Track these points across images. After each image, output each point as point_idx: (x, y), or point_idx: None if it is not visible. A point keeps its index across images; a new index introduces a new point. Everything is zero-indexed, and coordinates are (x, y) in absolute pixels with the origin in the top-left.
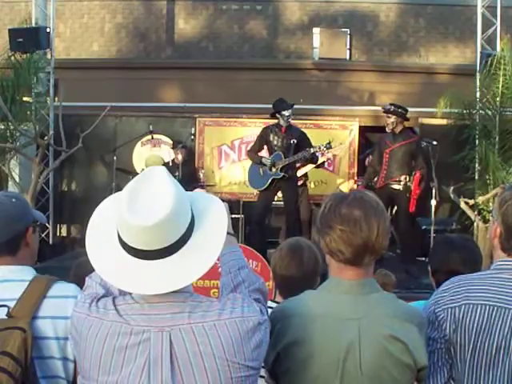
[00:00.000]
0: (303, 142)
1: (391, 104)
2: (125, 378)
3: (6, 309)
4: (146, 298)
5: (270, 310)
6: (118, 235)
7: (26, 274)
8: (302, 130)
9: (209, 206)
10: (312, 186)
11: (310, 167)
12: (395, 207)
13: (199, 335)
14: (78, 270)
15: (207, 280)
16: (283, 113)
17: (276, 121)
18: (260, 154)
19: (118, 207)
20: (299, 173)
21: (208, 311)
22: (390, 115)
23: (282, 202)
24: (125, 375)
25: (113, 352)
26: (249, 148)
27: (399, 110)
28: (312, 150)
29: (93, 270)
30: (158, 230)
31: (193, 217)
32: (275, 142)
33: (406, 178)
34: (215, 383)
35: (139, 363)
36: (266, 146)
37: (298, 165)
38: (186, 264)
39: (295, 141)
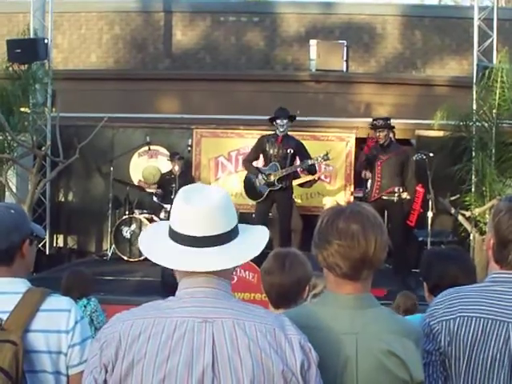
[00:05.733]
0: (300, 151)
1: (377, 118)
2: (173, 369)
3: None
4: (193, 294)
5: None
6: (170, 230)
7: (20, 286)
8: (300, 140)
9: (251, 226)
10: (309, 197)
11: (305, 179)
12: (389, 219)
13: (239, 331)
14: (67, 281)
15: None
16: (277, 121)
17: (273, 131)
18: (255, 163)
19: (174, 204)
20: (297, 182)
21: (250, 313)
22: (382, 129)
23: (275, 213)
24: (172, 366)
25: (158, 348)
26: (244, 157)
27: (389, 123)
28: (310, 162)
29: (85, 281)
30: (211, 215)
31: (237, 225)
32: (271, 152)
33: (399, 190)
34: (248, 379)
35: (186, 353)
36: (262, 156)
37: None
38: (233, 251)
39: (292, 150)
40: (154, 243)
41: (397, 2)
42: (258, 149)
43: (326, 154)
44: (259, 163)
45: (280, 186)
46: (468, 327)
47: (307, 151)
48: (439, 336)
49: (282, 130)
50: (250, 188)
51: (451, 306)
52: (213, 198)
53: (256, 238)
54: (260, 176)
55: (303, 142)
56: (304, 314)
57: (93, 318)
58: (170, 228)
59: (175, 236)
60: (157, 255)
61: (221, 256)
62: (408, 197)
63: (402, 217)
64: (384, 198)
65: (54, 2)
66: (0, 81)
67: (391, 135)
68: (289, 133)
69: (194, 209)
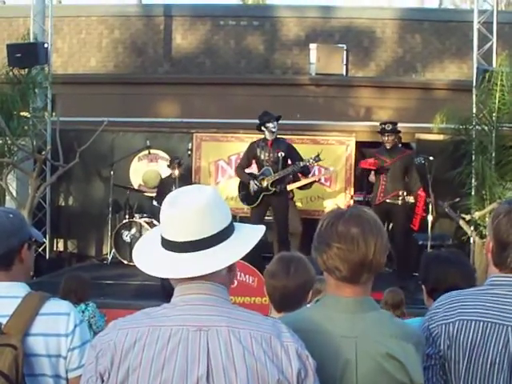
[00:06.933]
0: (291, 154)
1: (387, 123)
2: (168, 379)
3: None
4: (188, 301)
5: None
6: (162, 238)
7: (19, 290)
8: (290, 143)
9: (249, 226)
10: (309, 201)
11: (304, 182)
12: (393, 222)
13: (234, 340)
14: (65, 285)
15: None
16: (267, 125)
17: (263, 136)
18: (248, 169)
19: (161, 208)
20: (292, 186)
21: (246, 321)
22: (390, 134)
23: (272, 217)
24: (168, 376)
25: (153, 357)
26: (237, 164)
27: (397, 128)
28: (301, 164)
29: (83, 285)
30: (195, 218)
31: (232, 225)
32: (263, 157)
33: (403, 193)
34: None
35: (180, 363)
36: (254, 162)
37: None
38: (219, 254)
39: (283, 154)
40: (145, 252)
41: (396, 6)
42: (250, 155)
43: (318, 156)
44: (252, 169)
45: (274, 190)
46: (467, 330)
47: (298, 153)
48: (439, 339)
49: (273, 131)
50: (244, 194)
51: (450, 310)
52: (198, 199)
53: (247, 236)
54: (252, 182)
55: (303, 146)
56: (301, 318)
57: (91, 323)
58: (161, 237)
59: (164, 242)
60: (146, 264)
61: (207, 260)
62: (412, 200)
63: (405, 220)
64: (388, 201)
65: (54, 7)
66: (0, 85)
67: (396, 139)
68: (278, 136)
69: (179, 212)
